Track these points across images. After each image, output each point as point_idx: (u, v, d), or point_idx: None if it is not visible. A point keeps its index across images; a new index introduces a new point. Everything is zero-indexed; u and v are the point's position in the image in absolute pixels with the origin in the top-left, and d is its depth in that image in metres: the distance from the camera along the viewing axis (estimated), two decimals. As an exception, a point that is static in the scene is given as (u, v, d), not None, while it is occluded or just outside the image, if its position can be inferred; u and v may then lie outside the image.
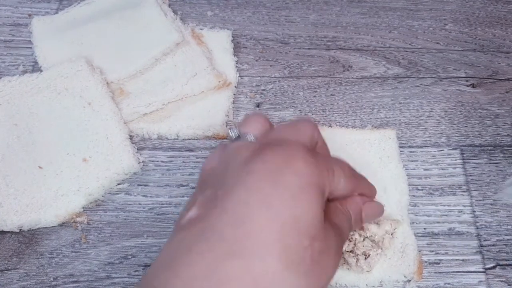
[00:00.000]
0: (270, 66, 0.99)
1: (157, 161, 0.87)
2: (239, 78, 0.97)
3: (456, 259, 0.78)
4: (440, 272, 0.77)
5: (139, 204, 0.82)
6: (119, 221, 0.81)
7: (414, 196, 0.84)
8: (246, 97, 0.95)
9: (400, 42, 1.04)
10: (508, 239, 0.80)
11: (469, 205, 0.83)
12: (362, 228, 0.74)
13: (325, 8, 1.09)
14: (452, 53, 1.03)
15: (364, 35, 1.05)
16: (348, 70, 0.99)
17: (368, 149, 0.87)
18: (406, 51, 1.03)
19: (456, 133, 0.91)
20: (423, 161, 0.88)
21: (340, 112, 0.93)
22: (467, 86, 0.98)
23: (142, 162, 0.86)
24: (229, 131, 0.64)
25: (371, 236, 0.74)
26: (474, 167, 0.87)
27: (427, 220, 0.82)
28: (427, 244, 0.80)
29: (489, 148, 0.90)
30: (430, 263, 0.78)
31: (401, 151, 0.88)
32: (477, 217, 0.82)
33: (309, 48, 1.02)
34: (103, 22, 0.98)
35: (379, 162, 0.85)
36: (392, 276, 0.75)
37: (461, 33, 1.06)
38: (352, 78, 0.98)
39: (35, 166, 0.82)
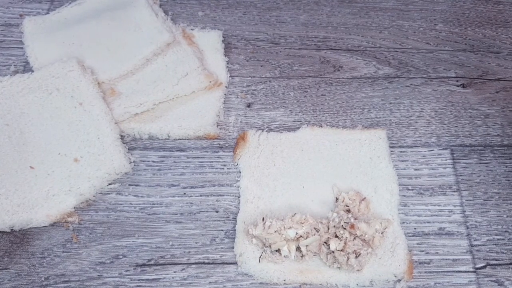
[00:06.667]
0: (261, 66, 1.00)
1: (148, 161, 0.87)
2: (230, 78, 0.97)
3: (446, 259, 0.79)
4: (430, 272, 0.77)
5: (130, 204, 0.83)
6: (110, 221, 0.81)
7: (404, 196, 0.84)
8: (237, 97, 0.95)
9: (391, 42, 1.04)
10: (498, 239, 0.81)
11: (459, 205, 0.84)
12: (352, 227, 0.74)
13: (316, 9, 1.10)
14: (442, 53, 1.03)
15: (355, 35, 1.05)
16: (338, 70, 1.00)
17: (359, 149, 0.87)
18: (397, 51, 1.03)
19: (446, 133, 0.92)
20: (414, 161, 0.88)
21: (331, 112, 0.94)
22: (457, 86, 0.98)
23: (133, 162, 0.86)
24: None
25: (362, 235, 0.75)
26: (464, 167, 0.88)
27: (417, 219, 0.82)
28: (417, 243, 0.80)
29: (479, 148, 0.90)
30: (420, 263, 0.78)
31: (391, 151, 0.88)
32: (467, 217, 0.83)
33: (299, 49, 1.03)
34: (94, 23, 0.98)
35: (370, 162, 0.86)
36: (382, 275, 0.75)
37: (451, 33, 1.07)
38: (343, 78, 0.98)
39: (26, 166, 0.82)
